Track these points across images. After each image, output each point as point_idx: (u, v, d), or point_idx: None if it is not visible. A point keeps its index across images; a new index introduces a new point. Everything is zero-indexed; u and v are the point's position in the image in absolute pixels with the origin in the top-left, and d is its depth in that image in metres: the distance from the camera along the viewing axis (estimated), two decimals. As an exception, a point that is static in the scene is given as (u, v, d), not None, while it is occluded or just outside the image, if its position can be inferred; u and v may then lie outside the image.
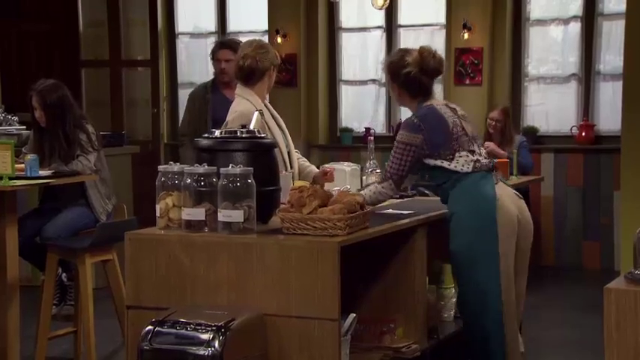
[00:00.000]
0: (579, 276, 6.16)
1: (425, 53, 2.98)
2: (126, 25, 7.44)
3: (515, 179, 5.36)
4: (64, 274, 4.00)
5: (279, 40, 6.90)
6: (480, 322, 2.88)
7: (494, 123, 5.79)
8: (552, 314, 5.11)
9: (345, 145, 7.05)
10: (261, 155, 2.67)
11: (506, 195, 2.95)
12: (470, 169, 2.88)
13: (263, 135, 2.76)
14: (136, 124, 7.53)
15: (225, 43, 4.48)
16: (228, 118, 3.24)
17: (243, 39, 3.56)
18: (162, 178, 2.62)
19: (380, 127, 7.13)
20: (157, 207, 2.62)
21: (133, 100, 7.54)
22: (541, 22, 6.73)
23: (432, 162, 2.91)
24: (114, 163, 4.92)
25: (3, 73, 6.92)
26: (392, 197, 3.06)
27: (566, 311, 5.16)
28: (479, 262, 2.84)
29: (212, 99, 4.34)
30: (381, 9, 5.11)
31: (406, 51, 3.04)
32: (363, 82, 7.21)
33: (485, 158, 2.97)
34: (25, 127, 5.14)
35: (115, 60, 7.44)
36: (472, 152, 2.93)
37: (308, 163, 3.49)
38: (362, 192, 2.96)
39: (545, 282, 5.90)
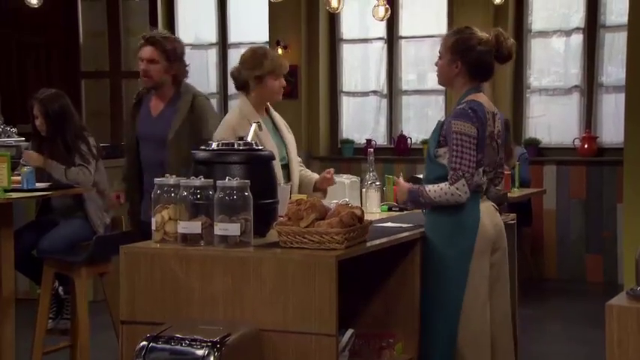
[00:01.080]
0: (582, 289, 6.12)
1: (501, 36, 2.82)
2: (126, 36, 7.44)
3: (517, 192, 5.33)
4: (60, 288, 3.97)
5: (279, 51, 6.89)
6: (432, 333, 2.77)
7: None
8: (554, 328, 5.07)
9: (345, 156, 7.02)
10: (259, 167, 2.64)
11: (486, 214, 2.81)
12: (468, 195, 2.72)
13: (260, 147, 2.73)
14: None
15: (148, 38, 3.51)
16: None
17: (244, 50, 3.49)
18: (158, 191, 2.58)
19: (381, 139, 7.10)
20: (153, 220, 2.58)
21: (133, 112, 7.52)
22: (543, 33, 6.72)
23: (444, 161, 2.75)
24: (113, 175, 4.89)
25: (3, 85, 6.91)
26: (464, 200, 2.71)
27: (569, 325, 5.11)
28: (447, 276, 2.75)
29: (139, 110, 3.58)
30: (382, 20, 5.09)
31: (471, 28, 2.85)
32: (365, 94, 7.20)
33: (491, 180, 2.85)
34: (24, 138, 5.12)
35: (115, 71, 7.43)
36: (485, 172, 2.79)
37: (309, 173, 3.45)
38: (428, 190, 2.72)
39: (547, 295, 5.85)
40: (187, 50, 7.71)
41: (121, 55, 7.43)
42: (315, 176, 3.37)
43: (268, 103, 3.42)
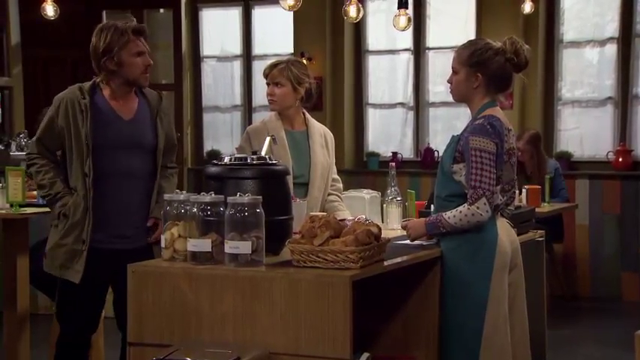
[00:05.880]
0: (617, 309, 5.90)
1: (517, 43, 2.71)
2: (150, 49, 7.41)
3: (547, 206, 5.15)
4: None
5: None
6: (452, 354, 2.67)
7: (520, 153, 5.55)
8: (588, 350, 4.88)
9: (371, 169, 6.91)
10: (273, 182, 2.54)
11: (503, 230, 2.70)
12: (489, 214, 2.61)
13: (275, 162, 2.63)
14: (160, 148, 7.48)
15: (138, 28, 3.07)
16: None
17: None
18: (168, 207, 2.50)
19: (407, 152, 6.98)
20: (162, 237, 2.51)
21: (157, 125, 7.50)
22: (575, 43, 6.55)
23: (460, 178, 2.66)
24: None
25: (28, 100, 6.94)
26: (486, 219, 2.61)
27: (604, 347, 4.91)
28: (467, 296, 2.64)
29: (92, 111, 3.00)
30: (403, 30, 4.98)
31: (484, 39, 2.76)
32: (391, 106, 7.08)
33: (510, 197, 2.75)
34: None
35: (140, 84, 7.42)
36: (503, 190, 2.69)
37: (339, 205, 3.28)
38: (447, 218, 2.62)
39: (581, 315, 5.65)
40: (212, 63, 7.77)
41: (145, 68, 7.42)
42: (343, 214, 3.14)
43: (309, 116, 3.33)
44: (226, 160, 2.59)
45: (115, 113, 3.02)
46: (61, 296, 3.04)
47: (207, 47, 7.61)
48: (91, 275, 2.94)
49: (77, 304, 3.00)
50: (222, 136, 7.59)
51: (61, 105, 2.99)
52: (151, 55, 3.09)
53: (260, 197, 2.36)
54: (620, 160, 6.22)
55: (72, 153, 2.98)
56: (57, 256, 2.97)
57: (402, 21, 4.83)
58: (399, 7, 4.86)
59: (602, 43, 6.45)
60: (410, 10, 5.36)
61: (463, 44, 2.77)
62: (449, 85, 2.77)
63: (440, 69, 6.88)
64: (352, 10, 4.68)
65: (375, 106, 7.14)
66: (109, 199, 2.97)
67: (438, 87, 6.86)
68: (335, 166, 3.41)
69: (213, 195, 2.41)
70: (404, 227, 2.81)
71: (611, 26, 6.42)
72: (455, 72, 2.74)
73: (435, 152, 6.75)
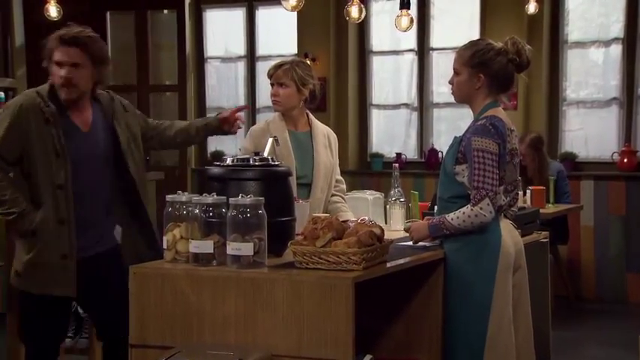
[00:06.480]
0: (622, 310, 5.87)
1: (518, 43, 2.69)
2: (154, 50, 7.43)
3: (552, 208, 5.13)
4: (79, 306, 3.89)
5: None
6: (456, 357, 2.65)
7: (521, 157, 5.49)
8: (593, 351, 4.85)
9: (375, 170, 6.89)
10: (275, 184, 2.54)
11: (507, 231, 2.69)
12: (493, 215, 2.60)
13: (277, 163, 2.62)
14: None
15: (70, 38, 2.86)
16: None
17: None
18: (170, 209, 2.49)
19: (412, 153, 6.96)
20: (164, 239, 2.50)
21: (161, 126, 7.50)
22: (580, 44, 6.52)
23: (462, 179, 2.64)
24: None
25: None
26: (489, 220, 2.59)
27: (608, 349, 4.88)
28: (471, 297, 2.63)
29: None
30: (405, 31, 4.95)
31: (485, 39, 2.74)
32: (395, 107, 7.07)
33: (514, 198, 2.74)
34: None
35: (143, 85, 7.43)
36: (506, 191, 2.67)
37: (342, 207, 3.26)
38: (450, 219, 2.61)
39: (585, 316, 5.62)
40: (216, 63, 7.77)
41: (149, 68, 7.42)
42: (346, 215, 3.12)
43: (312, 117, 3.32)
44: (228, 161, 2.58)
45: (74, 124, 2.87)
46: (26, 312, 2.90)
47: (211, 48, 7.61)
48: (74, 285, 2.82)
49: (47, 318, 2.85)
50: (226, 137, 7.52)
51: (21, 112, 2.80)
52: (88, 67, 2.82)
53: (262, 198, 2.35)
54: (626, 160, 6.18)
55: (35, 164, 2.79)
56: (35, 275, 2.82)
57: (404, 21, 4.80)
58: (401, 8, 4.84)
59: (607, 43, 6.42)
60: (414, 11, 5.34)
61: (464, 45, 2.75)
62: (450, 86, 2.76)
63: (444, 70, 6.86)
64: (354, 11, 4.66)
65: (379, 106, 7.12)
66: (78, 214, 2.84)
67: (442, 88, 6.83)
68: (338, 167, 3.40)
69: (215, 196, 2.40)
70: (407, 230, 2.79)
71: (616, 27, 6.39)
72: (456, 73, 2.73)
73: (439, 153, 6.72)
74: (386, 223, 3.27)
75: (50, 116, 2.80)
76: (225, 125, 3.15)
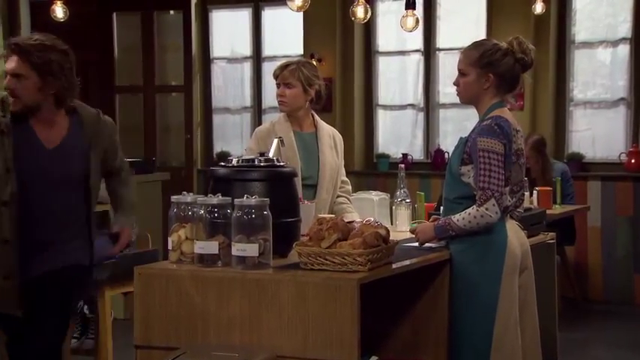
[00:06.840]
0: (630, 312, 5.83)
1: (523, 43, 2.68)
2: (160, 51, 7.44)
3: (559, 208, 5.11)
4: (85, 307, 3.90)
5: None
6: (462, 358, 2.64)
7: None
8: (600, 353, 4.83)
9: (381, 171, 6.88)
10: (280, 185, 2.53)
11: (513, 232, 2.68)
12: (499, 215, 2.59)
13: (282, 163, 2.62)
14: (170, 149, 7.51)
15: (11, 44, 2.69)
16: None
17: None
18: (175, 209, 2.48)
19: (418, 153, 6.94)
20: (169, 240, 2.49)
21: (167, 126, 7.53)
22: (587, 44, 6.49)
23: (468, 180, 2.63)
24: (143, 191, 4.84)
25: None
26: (495, 220, 2.58)
27: (615, 351, 4.86)
28: (477, 298, 2.62)
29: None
30: (411, 31, 4.94)
31: (491, 40, 2.73)
32: (402, 107, 7.05)
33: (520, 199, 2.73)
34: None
35: (149, 85, 7.44)
36: (512, 192, 2.66)
37: (347, 208, 3.25)
38: (456, 220, 2.60)
39: (592, 318, 5.60)
40: (222, 64, 7.78)
41: (155, 69, 7.43)
42: (351, 216, 3.11)
43: (318, 118, 3.31)
44: (234, 162, 2.57)
45: (37, 139, 2.67)
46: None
47: (217, 49, 7.61)
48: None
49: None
50: (232, 138, 7.58)
51: None
52: (34, 78, 2.62)
53: (267, 199, 2.35)
54: (633, 161, 6.15)
55: None
56: None
57: (410, 22, 4.79)
58: (407, 8, 4.83)
59: (615, 43, 6.39)
60: (420, 11, 5.32)
61: (469, 46, 2.74)
62: (456, 87, 2.74)
63: (450, 70, 6.83)
64: (360, 11, 4.65)
65: (385, 107, 7.11)
66: (28, 233, 2.66)
67: (448, 88, 6.81)
68: (344, 168, 3.39)
69: (220, 197, 2.39)
70: (412, 232, 2.78)
71: (624, 27, 6.36)
72: (463, 74, 2.71)
73: (446, 154, 6.71)
74: (392, 223, 3.26)
75: (5, 127, 2.62)
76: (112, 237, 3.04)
